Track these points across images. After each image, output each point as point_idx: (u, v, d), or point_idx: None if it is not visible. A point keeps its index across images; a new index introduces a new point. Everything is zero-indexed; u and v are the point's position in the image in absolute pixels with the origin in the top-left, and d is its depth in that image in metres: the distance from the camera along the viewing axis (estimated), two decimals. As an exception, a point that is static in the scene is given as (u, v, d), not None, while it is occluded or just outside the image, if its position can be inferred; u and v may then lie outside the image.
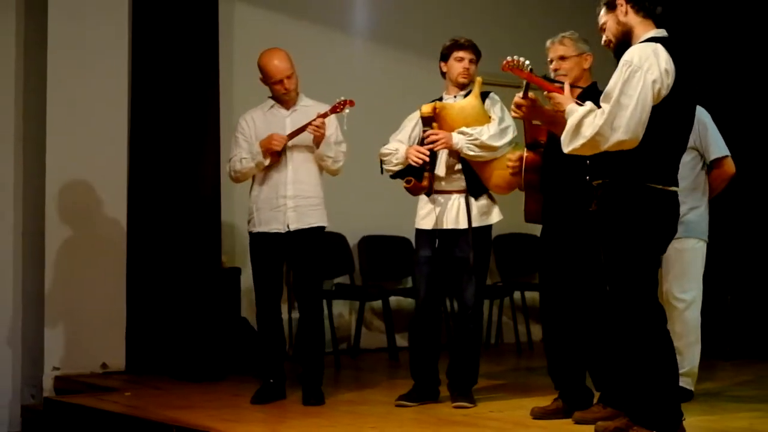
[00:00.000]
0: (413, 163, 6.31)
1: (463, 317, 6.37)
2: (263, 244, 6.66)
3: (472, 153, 6.25)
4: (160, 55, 8.35)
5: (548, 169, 5.84)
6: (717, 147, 6.48)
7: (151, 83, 8.36)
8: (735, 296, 8.95)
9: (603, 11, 5.16)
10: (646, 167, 4.87)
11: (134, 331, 8.17)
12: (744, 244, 9.35)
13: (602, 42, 5.20)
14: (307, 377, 6.60)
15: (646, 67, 4.79)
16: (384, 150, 6.55)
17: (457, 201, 6.35)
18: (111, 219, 8.14)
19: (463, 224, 6.31)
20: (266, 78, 6.65)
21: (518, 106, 5.56)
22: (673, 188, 4.97)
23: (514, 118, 5.79)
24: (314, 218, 6.62)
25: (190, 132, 8.25)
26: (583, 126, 4.88)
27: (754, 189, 9.05)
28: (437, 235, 6.37)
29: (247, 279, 8.22)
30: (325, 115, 6.47)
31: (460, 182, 6.36)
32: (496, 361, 8.95)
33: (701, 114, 6.36)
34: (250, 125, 6.73)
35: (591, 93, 5.70)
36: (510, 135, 6.29)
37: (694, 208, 6.34)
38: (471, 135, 6.23)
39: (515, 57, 5.42)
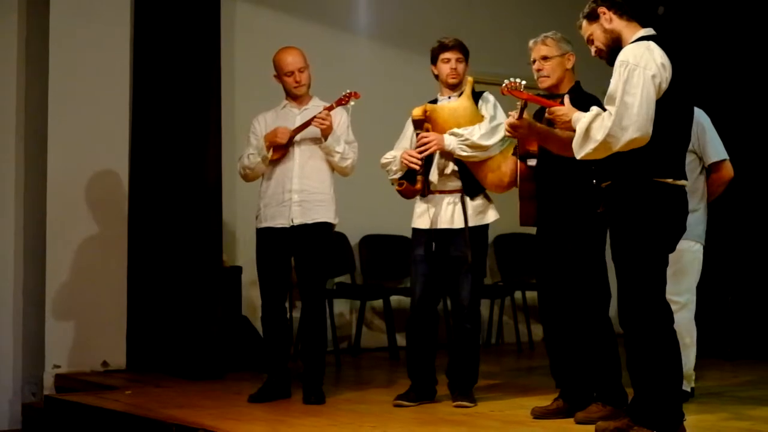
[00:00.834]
0: (407, 166, 6.31)
1: (460, 317, 6.37)
2: (269, 239, 6.66)
3: (464, 154, 6.24)
4: (161, 53, 8.36)
5: (543, 177, 5.85)
6: (715, 150, 6.47)
7: (152, 81, 8.38)
8: (735, 297, 8.95)
9: (585, 24, 5.19)
10: (654, 163, 4.88)
11: (135, 330, 8.18)
12: (744, 245, 9.35)
13: (593, 53, 5.22)
14: (308, 376, 6.60)
15: (643, 63, 4.82)
16: (383, 160, 6.56)
17: (453, 201, 6.35)
18: (112, 217, 8.15)
19: (459, 224, 6.31)
20: (279, 70, 6.67)
21: (514, 127, 5.58)
22: (682, 182, 4.98)
23: (509, 137, 5.79)
24: (319, 214, 6.61)
25: (191, 130, 8.25)
26: (593, 130, 4.89)
27: (754, 190, 9.05)
28: (433, 234, 6.37)
29: (247, 278, 8.24)
30: (330, 108, 6.48)
31: (456, 182, 6.36)
32: (497, 361, 8.96)
33: (700, 117, 6.36)
34: (261, 125, 6.74)
35: (575, 94, 5.71)
36: (502, 132, 6.24)
37: (692, 212, 6.32)
38: (462, 136, 6.22)
39: (513, 79, 5.42)
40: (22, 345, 8.18)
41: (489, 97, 6.45)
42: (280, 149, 6.57)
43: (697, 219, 6.40)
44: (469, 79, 6.41)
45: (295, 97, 6.73)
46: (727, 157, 6.50)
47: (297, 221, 6.57)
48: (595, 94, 5.67)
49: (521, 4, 10.68)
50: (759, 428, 5.69)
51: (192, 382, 7.52)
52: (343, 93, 6.52)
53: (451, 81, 6.43)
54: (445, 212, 6.35)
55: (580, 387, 5.84)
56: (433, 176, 6.36)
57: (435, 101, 6.52)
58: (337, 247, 9.21)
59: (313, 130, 6.51)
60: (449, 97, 6.46)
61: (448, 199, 6.36)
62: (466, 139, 6.21)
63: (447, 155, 6.31)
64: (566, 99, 5.33)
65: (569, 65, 5.90)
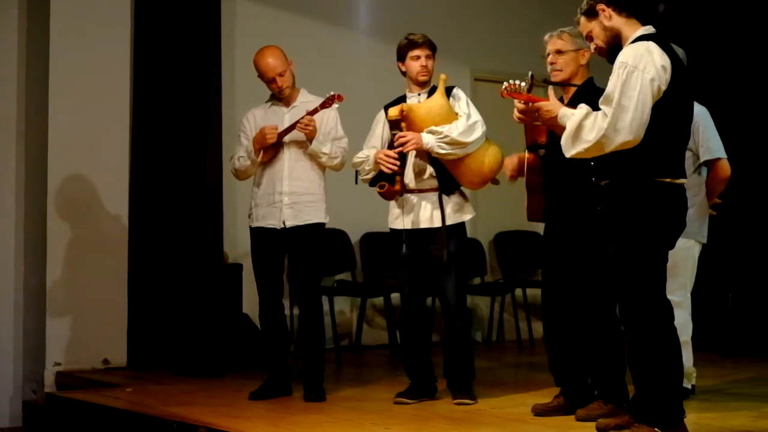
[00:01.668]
0: (385, 170, 6.30)
1: (449, 316, 6.37)
2: (261, 239, 6.68)
3: (443, 151, 6.22)
4: (162, 52, 8.36)
5: (551, 169, 5.84)
6: (710, 149, 6.42)
7: (153, 79, 8.37)
8: (736, 294, 8.94)
9: (583, 20, 5.16)
10: (654, 162, 4.88)
11: (136, 327, 8.18)
12: (744, 243, 9.36)
13: (592, 50, 5.21)
14: (308, 373, 6.61)
15: (642, 66, 4.81)
16: (356, 160, 6.54)
17: (430, 200, 6.34)
18: (113, 214, 8.14)
19: (437, 222, 6.31)
20: (261, 76, 6.67)
21: (522, 112, 5.54)
22: (681, 180, 4.98)
23: (518, 122, 5.74)
24: (311, 215, 6.62)
25: (192, 128, 8.26)
26: (584, 130, 4.88)
27: (755, 188, 9.05)
28: (413, 234, 6.37)
29: (248, 275, 8.23)
30: (314, 112, 6.46)
31: (432, 181, 6.35)
32: (498, 358, 8.97)
33: (701, 114, 6.34)
34: (251, 122, 6.75)
35: (587, 89, 5.71)
36: (480, 130, 6.26)
37: (689, 208, 6.30)
38: (441, 133, 6.20)
39: (512, 81, 5.38)
40: (22, 342, 8.18)
41: (460, 93, 6.43)
42: (269, 150, 6.57)
43: (690, 216, 6.38)
44: (442, 76, 6.35)
45: (280, 98, 6.73)
46: (724, 156, 6.45)
47: (289, 223, 6.58)
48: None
49: (521, 1, 10.67)
50: (759, 426, 5.69)
51: (193, 379, 7.52)
52: (327, 95, 6.50)
53: (421, 78, 6.42)
54: (423, 212, 6.35)
55: (580, 384, 5.84)
56: (408, 176, 6.35)
57: (404, 98, 6.51)
58: (337, 244, 9.22)
59: (301, 132, 6.51)
60: (419, 94, 6.45)
61: (425, 198, 6.36)
62: (445, 137, 6.18)
63: (423, 155, 6.30)
64: (550, 93, 5.31)
65: (583, 61, 5.86)
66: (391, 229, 6.49)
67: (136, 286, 8.22)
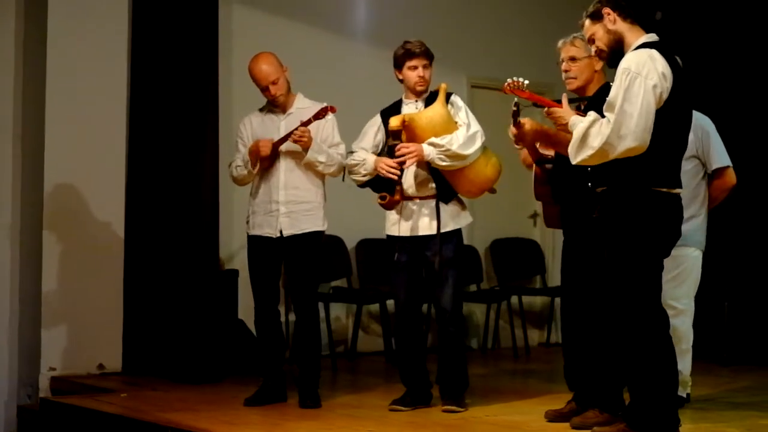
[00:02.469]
0: (386, 177, 6.30)
1: (443, 321, 6.37)
2: (258, 246, 6.68)
3: (444, 164, 6.23)
4: (159, 57, 8.36)
5: (561, 180, 5.84)
6: (719, 157, 6.44)
7: (150, 84, 8.38)
8: (732, 303, 8.94)
9: (588, 23, 5.18)
10: (651, 171, 4.89)
11: (131, 332, 8.17)
12: (741, 251, 9.35)
13: (593, 52, 5.21)
14: (304, 380, 6.60)
15: (645, 72, 4.82)
16: (351, 161, 6.53)
17: (427, 207, 6.34)
18: (108, 220, 8.14)
19: (434, 229, 6.31)
20: (255, 84, 6.67)
21: (516, 136, 5.54)
22: (677, 190, 4.99)
23: (518, 148, 5.72)
24: (308, 224, 6.61)
25: (188, 134, 8.26)
26: (590, 137, 4.89)
27: (751, 197, 9.05)
28: (409, 241, 6.37)
29: (244, 281, 8.22)
30: (307, 123, 6.45)
31: (430, 189, 6.36)
32: (493, 365, 8.97)
33: (705, 123, 6.36)
34: (247, 129, 6.75)
35: (604, 94, 5.70)
36: (479, 140, 6.27)
37: (692, 218, 6.30)
38: (442, 146, 6.20)
39: (515, 78, 5.38)
40: (17, 347, 8.17)
41: (458, 102, 6.43)
42: (265, 160, 6.56)
43: (697, 225, 6.39)
44: (443, 85, 6.35)
45: (275, 105, 6.73)
46: (730, 164, 6.48)
47: (286, 232, 6.57)
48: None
49: (520, 7, 10.67)
50: (755, 434, 5.71)
51: (188, 385, 7.51)
52: (320, 107, 6.50)
53: (419, 89, 6.42)
54: (420, 218, 6.35)
55: (598, 390, 5.78)
56: (407, 183, 6.35)
57: (400, 103, 6.51)
58: (333, 251, 9.21)
59: None
60: (416, 101, 6.45)
61: (422, 205, 6.36)
62: (446, 150, 6.19)
63: (422, 163, 6.30)
64: (564, 99, 5.32)
65: (598, 67, 5.83)
66: (387, 235, 6.48)
67: (132, 291, 8.21)
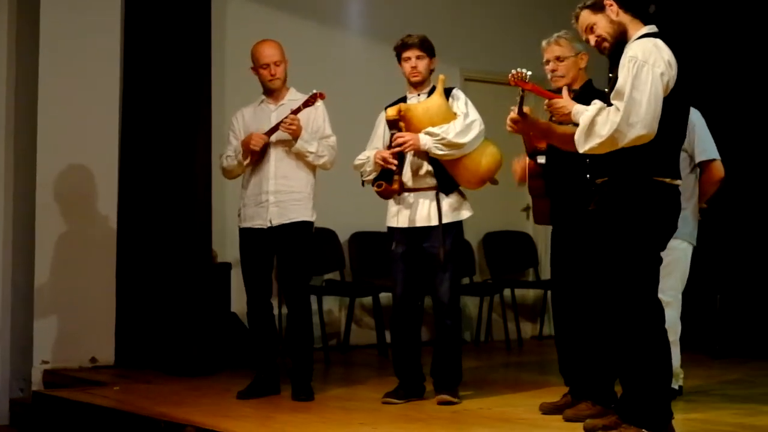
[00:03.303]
0: (383, 167, 6.32)
1: (440, 313, 6.38)
2: (249, 239, 6.69)
3: (440, 152, 6.25)
4: (152, 50, 8.35)
5: (553, 174, 5.85)
6: (705, 150, 6.46)
7: (143, 79, 8.37)
8: (724, 296, 8.96)
9: (586, 13, 5.17)
10: (653, 162, 4.88)
11: (124, 326, 8.17)
12: (732, 244, 9.38)
13: (593, 42, 5.18)
14: (297, 373, 6.61)
15: (652, 60, 4.81)
16: (357, 162, 6.56)
17: (428, 198, 6.35)
18: (101, 213, 8.13)
19: (434, 221, 6.32)
20: (255, 62, 6.67)
21: (514, 121, 5.54)
22: (677, 182, 4.99)
23: (510, 132, 5.73)
24: (296, 213, 6.61)
25: (181, 126, 8.24)
26: (597, 125, 4.87)
27: (743, 190, 9.07)
28: (409, 232, 6.38)
29: (237, 274, 8.23)
30: (297, 111, 6.47)
31: (430, 180, 6.37)
32: (486, 358, 8.98)
33: (693, 115, 6.35)
34: (239, 122, 6.77)
35: (587, 92, 5.72)
36: (477, 129, 6.28)
37: (683, 209, 6.31)
38: (438, 135, 6.22)
39: (519, 70, 5.37)
40: (10, 340, 8.16)
41: (459, 94, 6.45)
42: (256, 153, 6.57)
43: (684, 218, 6.40)
44: (441, 76, 6.38)
45: (270, 91, 6.73)
46: (718, 157, 6.49)
47: (275, 222, 6.59)
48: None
49: (511, 1, 10.68)
50: (746, 426, 5.71)
51: (181, 378, 7.51)
52: (310, 94, 6.51)
53: (413, 79, 6.44)
54: (420, 210, 6.36)
55: (591, 383, 5.79)
56: (407, 175, 6.37)
57: (404, 99, 6.52)
58: (327, 244, 9.22)
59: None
60: (418, 95, 6.46)
61: (422, 196, 6.37)
62: (442, 138, 6.21)
63: (421, 154, 6.32)
64: (564, 90, 5.32)
65: (582, 65, 5.90)
66: (388, 227, 6.49)
67: (125, 284, 8.20)
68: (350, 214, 9.17)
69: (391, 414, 6.08)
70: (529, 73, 5.36)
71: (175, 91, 8.27)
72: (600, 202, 5.06)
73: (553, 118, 5.42)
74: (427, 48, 6.41)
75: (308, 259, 6.74)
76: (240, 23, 9.03)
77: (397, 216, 6.42)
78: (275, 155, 6.61)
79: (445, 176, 6.34)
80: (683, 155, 6.32)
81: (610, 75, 5.11)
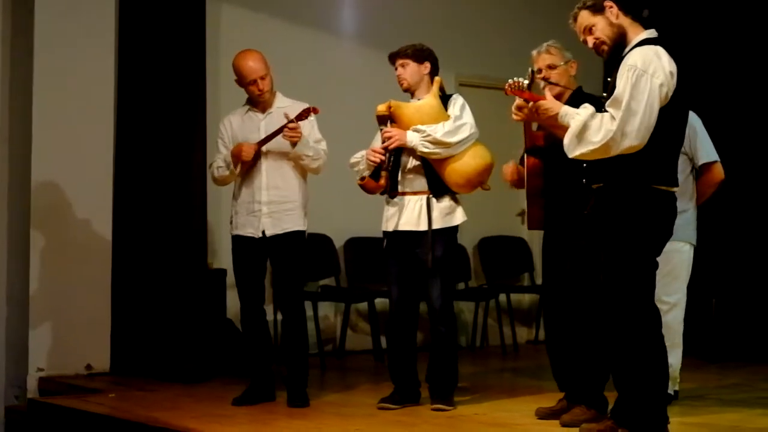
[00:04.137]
0: (370, 162, 6.33)
1: (433, 320, 6.37)
2: (242, 246, 6.68)
3: (426, 150, 6.24)
4: (146, 57, 8.35)
5: (549, 174, 5.84)
6: (706, 152, 6.47)
7: (138, 85, 8.36)
8: (720, 299, 8.96)
9: (586, 14, 5.13)
10: (651, 169, 4.88)
11: (119, 332, 8.15)
12: (729, 248, 9.37)
13: (591, 44, 5.15)
14: (292, 379, 6.60)
15: (651, 70, 4.80)
16: (352, 160, 6.58)
17: (419, 202, 6.35)
18: (96, 220, 8.12)
19: (424, 226, 6.32)
20: (240, 79, 6.64)
21: (519, 108, 5.50)
22: (674, 189, 4.99)
23: (516, 121, 5.70)
24: (290, 223, 6.60)
25: (176, 132, 8.25)
26: (590, 130, 4.86)
27: (738, 193, 9.07)
28: (402, 236, 6.38)
29: (232, 280, 8.21)
30: (294, 121, 6.44)
31: (422, 183, 6.37)
32: (482, 364, 8.97)
33: (692, 118, 6.35)
34: (227, 129, 6.75)
35: (577, 98, 5.72)
36: (466, 132, 6.26)
37: (681, 213, 6.30)
38: (424, 132, 6.23)
39: (516, 79, 5.35)
40: (5, 347, 8.15)
41: (457, 98, 6.45)
42: (246, 163, 6.56)
43: (686, 220, 6.41)
44: (437, 78, 6.41)
45: (258, 103, 6.72)
46: (718, 159, 6.50)
47: (269, 232, 6.58)
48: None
49: (507, 5, 10.68)
50: (743, 430, 5.70)
51: (176, 385, 7.50)
52: (303, 108, 6.49)
53: (403, 87, 6.47)
54: (411, 214, 6.35)
55: (584, 387, 5.78)
56: (399, 178, 6.38)
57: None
58: (322, 250, 9.21)
59: (278, 139, 6.48)
60: (418, 99, 6.47)
61: (414, 200, 6.36)
62: (428, 135, 6.21)
63: (410, 153, 6.32)
64: (547, 91, 5.30)
65: (573, 72, 5.94)
66: (383, 231, 6.49)
67: (120, 291, 8.19)
68: (345, 220, 9.16)
69: (387, 420, 6.07)
70: (526, 81, 5.35)
71: (169, 97, 8.27)
72: (595, 206, 5.05)
73: (539, 121, 5.42)
74: (412, 54, 6.41)
75: (302, 267, 6.73)
76: (234, 28, 9.02)
77: (391, 220, 6.42)
78: (267, 165, 6.60)
79: (437, 180, 6.34)
80: (683, 158, 6.32)
81: (608, 79, 5.11)
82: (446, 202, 6.38)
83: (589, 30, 5.15)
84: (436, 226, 6.31)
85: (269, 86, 6.63)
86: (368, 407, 6.43)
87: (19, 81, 8.13)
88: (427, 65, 6.44)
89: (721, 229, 9.18)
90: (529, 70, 5.49)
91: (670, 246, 6.07)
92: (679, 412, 5.98)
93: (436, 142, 6.22)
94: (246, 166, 6.58)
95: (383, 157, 6.30)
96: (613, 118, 4.81)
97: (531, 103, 5.29)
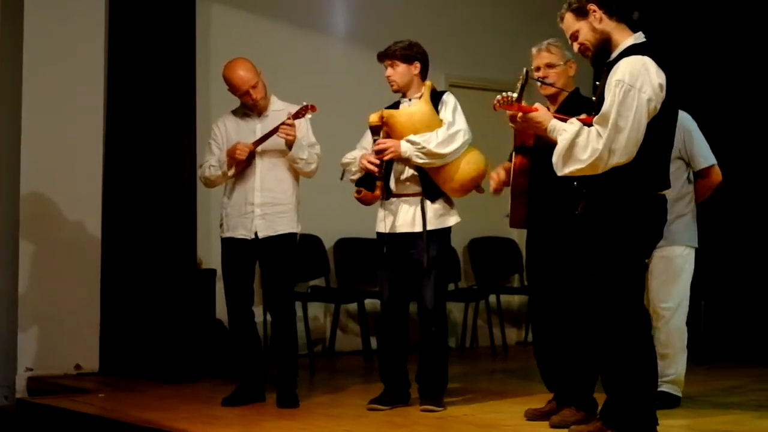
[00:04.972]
0: (366, 170, 6.33)
1: (425, 320, 6.38)
2: (232, 249, 6.67)
3: (421, 161, 6.24)
4: (136, 57, 8.34)
5: (536, 173, 5.84)
6: (703, 156, 6.46)
7: (127, 85, 8.35)
8: (709, 302, 8.97)
9: (570, 17, 5.07)
10: (640, 175, 4.86)
11: (108, 332, 8.15)
12: (718, 250, 9.37)
13: (576, 49, 5.12)
14: (281, 379, 6.59)
15: (639, 85, 4.75)
16: (345, 159, 6.57)
17: (413, 204, 6.35)
18: (85, 220, 8.11)
19: (418, 227, 6.32)
20: (233, 90, 6.64)
21: (513, 118, 5.50)
22: (665, 192, 4.98)
23: (513, 127, 5.68)
24: (282, 226, 6.60)
25: (166, 134, 8.23)
26: (577, 148, 4.83)
27: (728, 196, 9.07)
28: (396, 238, 6.38)
29: (222, 280, 8.22)
30: (292, 118, 6.45)
31: (416, 186, 6.37)
32: (471, 365, 8.97)
33: (686, 122, 6.35)
34: (222, 131, 6.74)
35: (574, 100, 5.72)
36: (460, 140, 6.26)
37: (679, 217, 6.32)
38: (418, 144, 6.22)
39: (506, 94, 5.31)
40: (-6, 348, 8.14)
41: (449, 99, 6.42)
42: (241, 164, 6.56)
43: (685, 224, 6.41)
44: (427, 83, 6.40)
45: (253, 107, 6.71)
46: (715, 162, 6.50)
47: (261, 234, 6.57)
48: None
49: (498, 6, 10.69)
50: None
51: (165, 385, 7.50)
52: (300, 106, 6.49)
53: (392, 89, 6.46)
54: (405, 216, 6.36)
55: (572, 388, 5.79)
56: (392, 181, 6.38)
57: (397, 104, 6.52)
58: (311, 250, 9.21)
59: (273, 141, 6.49)
60: (409, 99, 6.46)
61: (408, 202, 6.37)
62: (423, 147, 6.21)
63: (405, 161, 6.32)
64: (540, 106, 5.25)
65: (571, 72, 5.92)
66: (377, 233, 6.49)
67: (109, 291, 8.19)
68: (335, 221, 9.16)
69: (377, 420, 6.07)
70: (515, 95, 5.28)
71: (159, 98, 8.26)
72: (586, 208, 5.05)
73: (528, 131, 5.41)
74: (401, 55, 6.40)
75: (293, 269, 6.73)
76: (224, 28, 9.02)
77: (384, 221, 6.43)
78: (261, 167, 6.59)
79: (430, 183, 6.34)
80: (679, 162, 6.32)
81: (597, 83, 5.10)
82: (440, 203, 6.38)
83: (574, 35, 5.10)
84: (430, 227, 6.32)
85: (262, 93, 6.62)
86: (358, 408, 6.43)
87: (8, 82, 8.11)
88: (417, 65, 6.43)
89: (711, 231, 9.16)
90: (524, 70, 5.44)
91: (667, 251, 6.11)
92: (668, 414, 5.98)
93: (430, 154, 6.21)
94: (240, 167, 6.57)
95: (377, 167, 6.28)
96: (599, 135, 4.77)
97: (520, 115, 5.27)
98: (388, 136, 6.33)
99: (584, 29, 5.04)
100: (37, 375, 7.82)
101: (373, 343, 8.81)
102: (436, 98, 6.40)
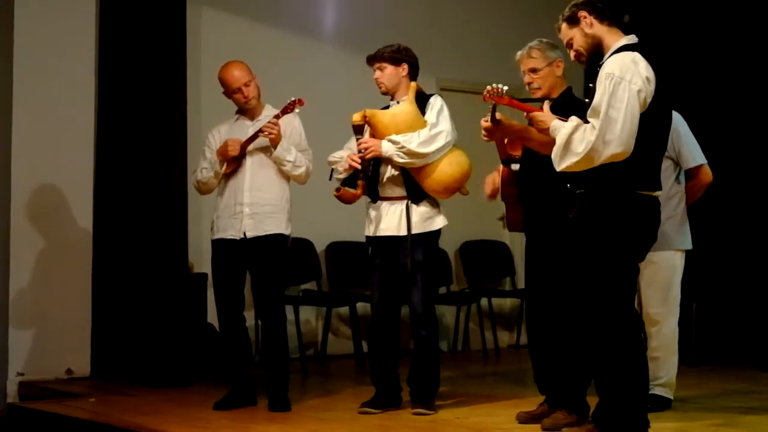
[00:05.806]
0: (350, 166, 6.34)
1: (415, 324, 6.38)
2: (222, 250, 6.67)
3: (402, 161, 6.25)
4: (127, 60, 8.32)
5: (527, 181, 5.85)
6: (692, 156, 6.45)
7: (118, 88, 8.34)
8: (700, 304, 8.98)
9: (564, 26, 5.14)
10: (633, 174, 4.88)
11: (100, 337, 8.14)
12: (709, 252, 9.38)
13: (573, 57, 5.17)
14: (273, 383, 6.59)
15: (629, 77, 4.79)
16: (331, 158, 6.58)
17: (398, 208, 6.35)
18: (77, 224, 8.10)
19: (403, 231, 6.32)
20: (226, 88, 6.66)
21: (488, 130, 5.54)
22: (657, 193, 4.99)
23: (486, 141, 5.72)
24: (271, 226, 6.60)
25: (157, 137, 8.22)
26: (573, 143, 4.86)
27: (718, 197, 9.08)
28: (384, 241, 6.38)
29: (213, 284, 8.22)
30: (277, 117, 6.46)
31: (401, 189, 6.37)
32: (463, 368, 8.96)
33: (676, 121, 6.33)
34: (216, 138, 6.76)
35: (566, 100, 5.72)
36: (442, 140, 6.27)
37: (669, 218, 6.30)
38: (399, 143, 6.23)
39: (495, 85, 5.33)
40: (-16, 352, 8.12)
41: (435, 102, 6.43)
42: (232, 162, 6.56)
43: (675, 226, 6.39)
44: (412, 84, 6.41)
45: (246, 110, 6.72)
46: (705, 162, 6.50)
47: (249, 234, 6.57)
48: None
49: (489, 9, 10.69)
50: (723, 435, 5.73)
51: (157, 389, 7.49)
52: (288, 101, 6.50)
53: (381, 91, 6.49)
54: (390, 219, 6.36)
55: (565, 392, 5.79)
56: (379, 185, 6.40)
57: (387, 107, 6.53)
58: (303, 254, 9.20)
59: (264, 141, 6.51)
60: (398, 101, 6.47)
61: (393, 206, 6.37)
62: (403, 147, 6.22)
63: (388, 161, 6.32)
64: (545, 105, 5.28)
65: (559, 72, 5.90)
66: (366, 236, 6.49)
67: (101, 295, 8.18)
68: (327, 224, 9.16)
69: (368, 424, 6.07)
70: (506, 88, 5.31)
71: (150, 101, 8.25)
72: (580, 210, 5.05)
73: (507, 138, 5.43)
74: (389, 57, 6.41)
75: (282, 272, 6.72)
76: (215, 32, 9.01)
77: (372, 225, 6.43)
78: (251, 167, 6.60)
79: (414, 186, 6.34)
80: (668, 163, 6.31)
81: (590, 85, 5.11)
82: (426, 207, 6.38)
83: (569, 44, 5.16)
84: (416, 230, 6.31)
85: (255, 92, 6.64)
86: (349, 411, 6.43)
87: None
88: (405, 67, 6.44)
89: (702, 233, 9.17)
90: (504, 88, 5.41)
91: (656, 256, 6.08)
92: (659, 416, 5.99)
93: (411, 153, 6.22)
94: (231, 167, 6.57)
95: (359, 165, 6.29)
96: (593, 128, 4.81)
97: (496, 123, 5.33)
98: (373, 135, 6.35)
99: (577, 36, 5.10)
100: (28, 380, 7.81)
101: (365, 346, 8.81)
102: (423, 100, 6.41)
